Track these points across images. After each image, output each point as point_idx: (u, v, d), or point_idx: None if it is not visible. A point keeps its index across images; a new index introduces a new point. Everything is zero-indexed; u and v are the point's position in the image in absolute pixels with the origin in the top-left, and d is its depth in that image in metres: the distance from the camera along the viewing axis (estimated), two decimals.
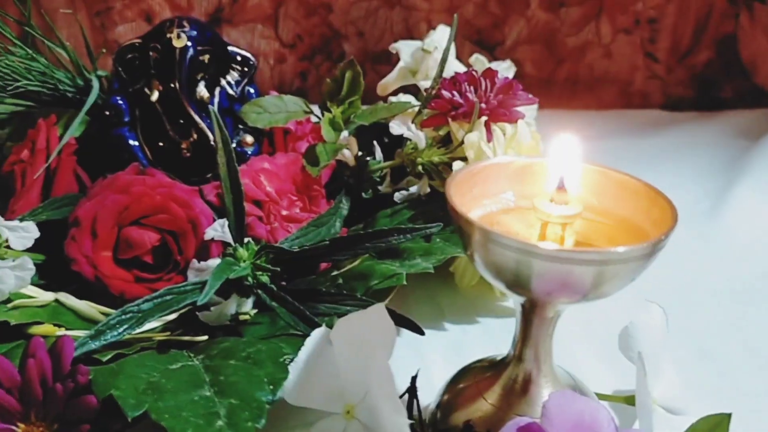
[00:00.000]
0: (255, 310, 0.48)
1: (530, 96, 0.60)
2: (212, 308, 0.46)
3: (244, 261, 0.45)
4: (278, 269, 0.45)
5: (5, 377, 0.36)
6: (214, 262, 0.48)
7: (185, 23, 0.56)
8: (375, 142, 0.64)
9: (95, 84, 0.57)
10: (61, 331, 0.44)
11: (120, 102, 0.57)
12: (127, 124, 0.56)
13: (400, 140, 0.65)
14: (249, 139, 0.58)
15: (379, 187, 0.62)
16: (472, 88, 0.59)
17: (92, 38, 0.91)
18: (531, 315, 0.38)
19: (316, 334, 0.40)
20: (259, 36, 0.95)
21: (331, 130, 0.58)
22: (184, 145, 0.56)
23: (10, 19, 0.59)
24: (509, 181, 0.39)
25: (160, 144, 0.56)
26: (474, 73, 0.61)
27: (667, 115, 1.02)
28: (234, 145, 0.57)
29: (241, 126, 0.59)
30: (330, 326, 0.40)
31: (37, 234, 0.46)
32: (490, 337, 0.52)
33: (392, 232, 0.46)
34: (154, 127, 0.56)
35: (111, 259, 0.50)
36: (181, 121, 0.56)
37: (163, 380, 0.37)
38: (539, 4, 0.99)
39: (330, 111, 0.60)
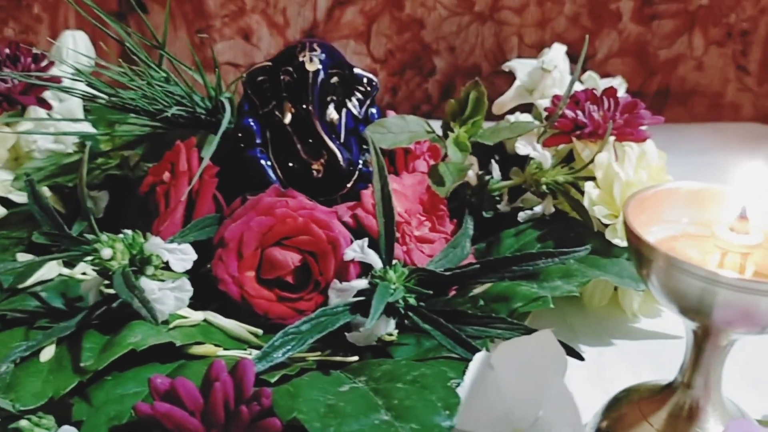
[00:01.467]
0: (396, 331, 0.49)
1: (654, 115, 0.60)
2: (361, 329, 0.47)
3: (394, 283, 0.46)
4: (431, 292, 0.45)
5: (189, 399, 0.37)
6: (358, 283, 0.49)
7: (316, 46, 0.58)
8: (493, 161, 0.64)
9: (227, 106, 0.58)
10: (222, 351, 0.46)
11: (252, 124, 0.58)
12: (259, 145, 0.58)
13: (513, 159, 0.65)
14: None
15: (498, 206, 0.62)
16: (595, 107, 0.60)
17: (190, 56, 0.94)
18: (704, 342, 0.38)
19: (478, 358, 0.40)
20: (351, 52, 0.96)
21: (458, 150, 0.58)
22: (315, 166, 0.57)
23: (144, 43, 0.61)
24: (681, 206, 0.39)
25: (290, 165, 0.57)
26: (594, 91, 0.61)
27: (761, 128, 1.00)
28: (360, 165, 0.58)
29: (365, 146, 0.60)
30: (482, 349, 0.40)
31: (194, 256, 0.47)
32: (628, 359, 0.51)
33: (541, 256, 0.46)
34: (284, 148, 0.57)
35: (254, 279, 0.51)
36: (311, 142, 0.57)
37: (340, 403, 0.38)
38: (631, 17, 0.98)
39: (452, 130, 0.61)
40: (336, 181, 0.57)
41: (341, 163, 0.57)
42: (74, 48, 0.69)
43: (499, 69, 1.01)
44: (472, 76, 1.01)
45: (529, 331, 0.44)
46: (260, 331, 0.50)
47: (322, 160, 0.57)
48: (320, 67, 0.57)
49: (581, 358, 0.44)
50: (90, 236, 0.46)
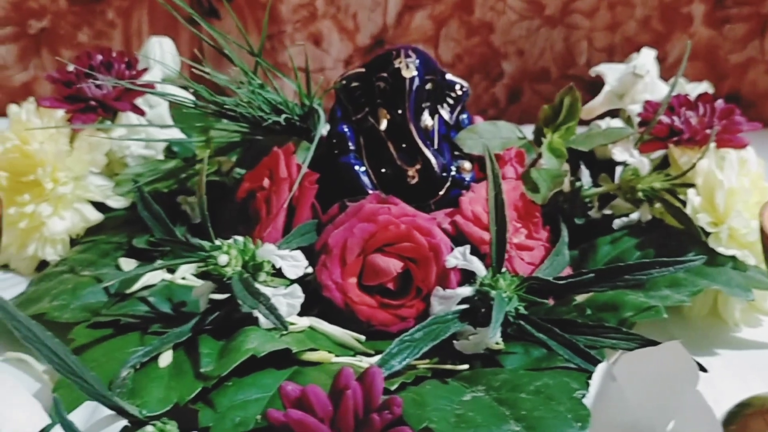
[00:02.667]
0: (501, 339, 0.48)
1: (752, 122, 0.59)
2: (470, 338, 0.47)
3: (505, 292, 0.46)
4: (545, 301, 0.45)
5: (319, 407, 0.37)
6: (463, 290, 0.49)
7: (411, 53, 0.58)
8: (583, 167, 0.64)
9: (321, 113, 0.59)
10: (337, 358, 0.46)
11: (346, 130, 0.58)
12: (353, 151, 0.58)
13: (600, 164, 0.65)
14: (467, 165, 0.59)
15: (590, 213, 0.62)
16: (691, 113, 0.59)
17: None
18: None
19: (600, 368, 0.40)
20: None
21: (553, 156, 0.58)
22: (410, 173, 0.57)
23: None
24: None
25: (383, 170, 0.57)
26: (688, 97, 0.61)
27: None
28: (453, 171, 0.58)
29: (456, 152, 0.60)
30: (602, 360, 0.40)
31: (306, 263, 0.47)
32: (736, 370, 0.50)
33: (655, 265, 0.45)
34: (378, 154, 0.57)
35: (357, 285, 0.51)
36: (406, 148, 0.57)
37: (469, 413, 0.38)
38: (702, 21, 0.97)
39: (544, 136, 0.60)
40: (430, 188, 0.57)
41: (436, 169, 0.57)
42: (161, 54, 0.69)
43: (568, 73, 1.01)
44: (540, 80, 1.00)
45: (647, 342, 0.43)
46: (363, 338, 0.50)
47: (417, 167, 0.57)
48: (416, 73, 0.57)
49: (704, 370, 0.43)
50: (204, 242, 0.46)
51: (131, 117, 0.63)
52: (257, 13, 0.92)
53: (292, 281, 0.47)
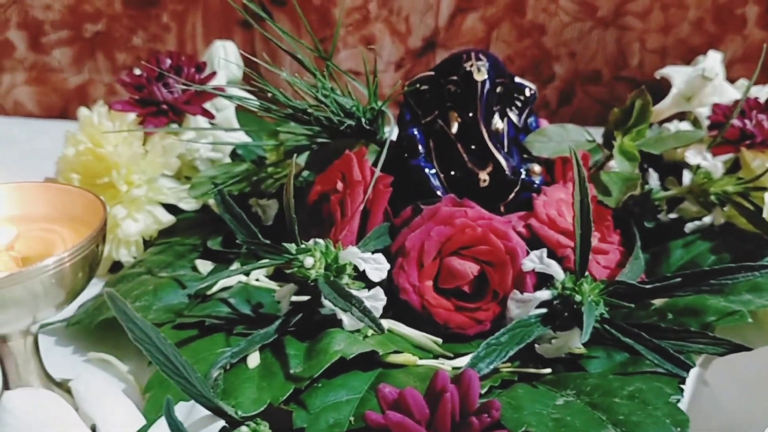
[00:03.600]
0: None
1: None
2: (553, 341, 0.47)
3: (589, 296, 0.46)
4: (632, 306, 0.45)
5: (417, 409, 0.38)
6: (541, 294, 0.49)
7: (482, 56, 0.58)
8: (651, 170, 0.63)
9: (391, 116, 0.59)
10: (421, 361, 0.46)
11: (416, 133, 0.58)
12: (422, 154, 0.58)
13: (666, 167, 0.64)
14: (537, 168, 0.59)
15: (659, 216, 0.61)
16: (764, 116, 0.58)
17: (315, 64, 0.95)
18: None
19: (693, 374, 0.40)
20: None
21: (625, 160, 0.58)
22: (481, 176, 0.57)
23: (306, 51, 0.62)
24: None
25: (452, 173, 0.58)
26: (758, 100, 0.60)
27: None
28: (522, 174, 0.58)
29: (525, 155, 0.60)
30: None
31: (387, 266, 0.48)
32: None
33: (740, 269, 0.45)
34: (448, 157, 0.57)
35: (432, 288, 0.52)
36: (476, 151, 0.57)
37: (567, 417, 0.38)
38: (756, 22, 0.96)
39: (614, 139, 0.60)
40: (501, 191, 0.57)
41: (507, 172, 0.57)
42: (225, 57, 0.70)
43: (620, 75, 1.00)
44: (591, 82, 1.00)
45: (736, 347, 0.43)
46: (440, 340, 0.50)
47: (488, 170, 0.57)
48: (487, 76, 0.57)
49: None
50: (289, 245, 0.47)
51: (199, 120, 0.64)
52: (309, 15, 0.93)
53: (373, 284, 0.47)
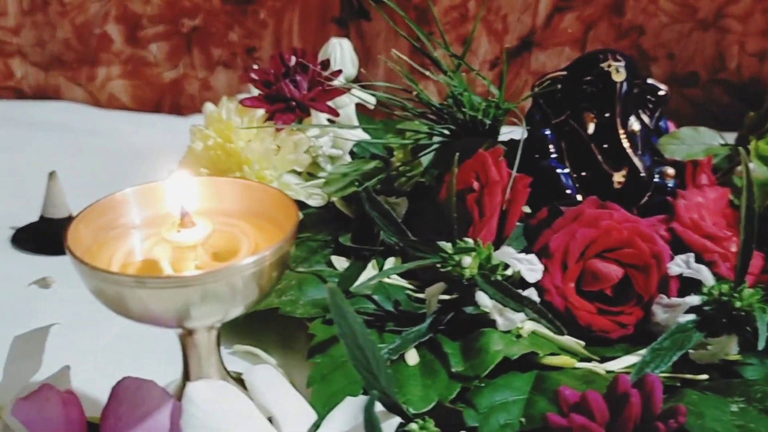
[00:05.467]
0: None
1: None
2: (708, 347, 0.46)
3: (749, 303, 0.45)
4: None
5: (599, 413, 0.37)
6: (691, 299, 0.48)
7: (619, 56, 0.57)
8: None
9: (521, 116, 0.59)
10: (580, 363, 0.46)
11: (548, 133, 0.58)
12: (554, 154, 0.58)
13: None
14: (670, 171, 0.58)
15: None
16: None
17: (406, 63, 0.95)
18: None
19: None
20: (566, 59, 0.95)
21: (763, 164, 0.57)
22: (616, 177, 0.56)
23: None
24: None
25: (583, 174, 0.57)
26: None
27: None
28: (656, 178, 0.57)
29: (656, 158, 0.59)
30: None
31: (542, 267, 0.48)
32: None
33: None
34: (580, 158, 0.57)
35: (574, 290, 0.51)
36: (610, 152, 0.56)
37: (750, 424, 0.37)
38: None
39: (748, 143, 0.59)
40: (635, 193, 0.57)
41: (643, 175, 0.56)
42: (341, 55, 0.70)
43: (717, 77, 0.99)
44: (688, 84, 0.98)
45: None
46: (583, 343, 0.50)
47: (623, 172, 0.57)
48: (625, 77, 0.56)
49: None
50: (445, 243, 0.47)
51: (321, 117, 0.64)
52: (408, 14, 0.92)
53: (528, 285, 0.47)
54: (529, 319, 0.50)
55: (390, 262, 0.55)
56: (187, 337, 0.38)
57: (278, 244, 0.34)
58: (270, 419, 0.39)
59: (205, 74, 0.99)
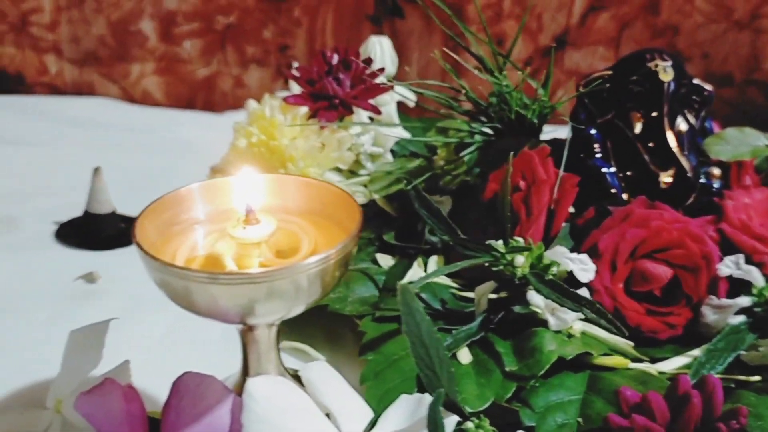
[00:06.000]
0: None
1: None
2: (760, 349, 0.46)
3: None
4: None
5: (660, 414, 0.37)
6: (741, 300, 0.48)
7: (665, 56, 0.57)
8: None
9: (567, 116, 0.59)
10: (633, 364, 0.46)
11: (593, 132, 0.58)
12: (600, 154, 0.57)
13: None
14: (716, 171, 0.58)
15: None
16: None
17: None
18: None
19: None
20: (600, 58, 0.95)
21: None
22: (663, 178, 0.56)
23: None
24: None
25: (628, 174, 0.57)
26: None
27: None
28: (702, 178, 0.57)
29: (701, 158, 0.59)
30: None
31: (594, 267, 0.47)
32: None
33: None
34: (626, 157, 0.57)
35: (623, 290, 0.51)
36: (657, 152, 0.56)
37: None
38: None
39: None
40: (681, 193, 0.56)
41: (690, 175, 0.56)
42: (381, 53, 0.70)
43: (751, 78, 0.98)
44: (722, 84, 0.98)
45: None
46: (632, 343, 0.50)
47: (670, 172, 0.56)
48: (673, 76, 0.56)
49: None
50: (496, 242, 0.47)
51: (362, 115, 0.64)
52: (441, 12, 0.92)
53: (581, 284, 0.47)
54: (586, 320, 0.51)
55: (433, 260, 0.56)
56: (248, 333, 0.38)
57: (343, 243, 0.34)
58: (327, 415, 0.39)
59: (239, 71, 0.99)
